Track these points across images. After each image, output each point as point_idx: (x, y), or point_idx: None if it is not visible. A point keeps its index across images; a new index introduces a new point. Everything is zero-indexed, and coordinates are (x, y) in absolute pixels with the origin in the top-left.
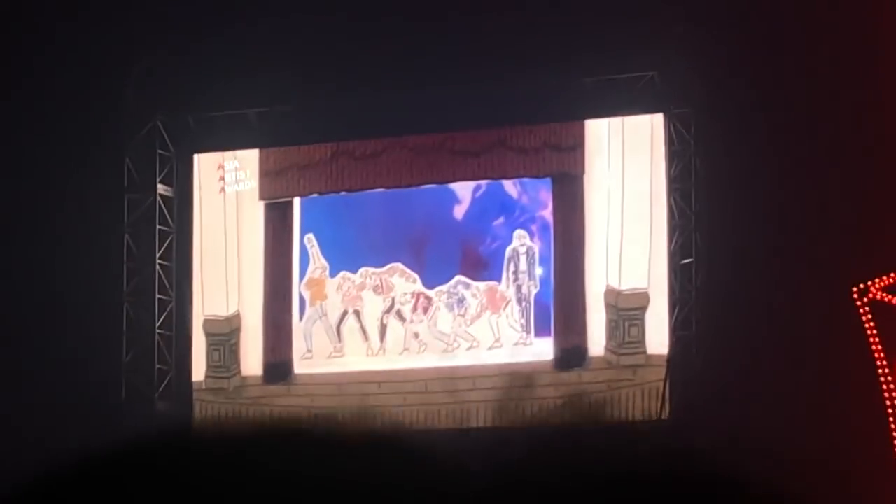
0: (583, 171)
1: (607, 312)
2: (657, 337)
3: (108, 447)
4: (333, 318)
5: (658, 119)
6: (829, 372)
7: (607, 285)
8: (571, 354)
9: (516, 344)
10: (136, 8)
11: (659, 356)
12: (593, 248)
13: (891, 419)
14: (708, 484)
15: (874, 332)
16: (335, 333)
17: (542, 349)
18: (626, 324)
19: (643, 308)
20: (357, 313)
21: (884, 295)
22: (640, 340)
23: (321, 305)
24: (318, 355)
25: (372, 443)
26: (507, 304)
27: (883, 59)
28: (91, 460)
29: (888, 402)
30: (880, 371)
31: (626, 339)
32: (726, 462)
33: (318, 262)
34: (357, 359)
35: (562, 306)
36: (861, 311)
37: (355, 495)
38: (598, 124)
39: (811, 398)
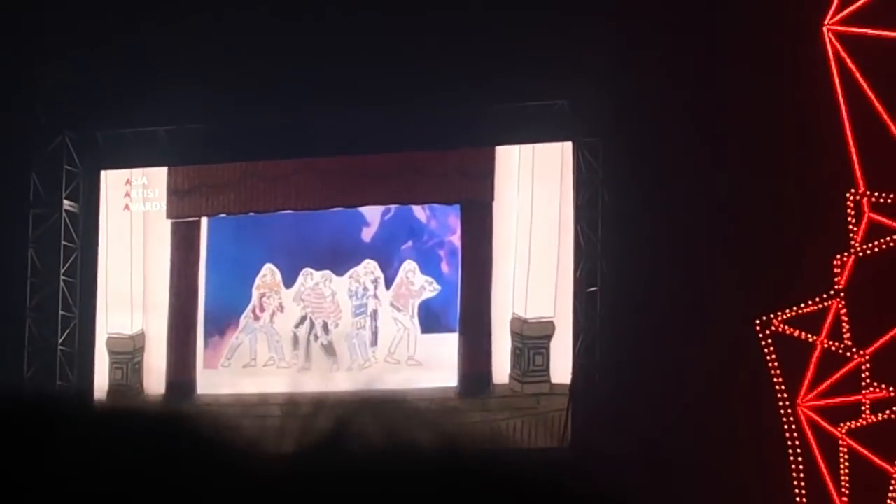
0: (492, 199)
1: (513, 340)
2: (562, 366)
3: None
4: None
5: (568, 147)
6: (731, 401)
7: (513, 313)
8: (476, 381)
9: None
10: (46, 23)
11: (563, 385)
12: (500, 276)
13: (789, 447)
14: None
15: (775, 363)
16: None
17: (447, 375)
18: (532, 352)
19: (548, 337)
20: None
21: (785, 327)
22: (545, 369)
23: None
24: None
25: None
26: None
27: (792, 93)
28: None
29: (787, 431)
30: (780, 402)
31: (531, 368)
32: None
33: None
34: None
35: (467, 333)
36: (763, 342)
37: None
38: (508, 151)
39: (713, 427)
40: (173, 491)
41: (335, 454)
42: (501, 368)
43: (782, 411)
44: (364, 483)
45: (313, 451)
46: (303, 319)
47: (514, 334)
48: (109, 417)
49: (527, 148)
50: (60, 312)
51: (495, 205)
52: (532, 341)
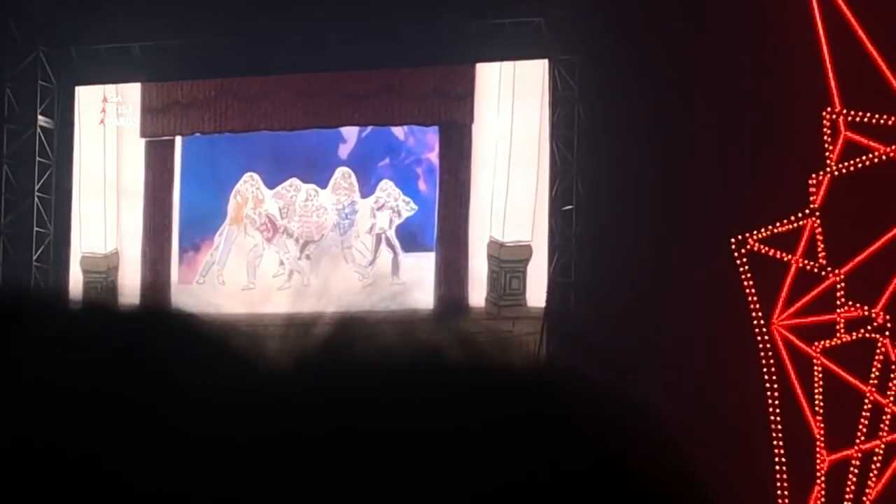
0: (471, 121)
1: (489, 264)
2: (538, 289)
3: None
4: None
5: (546, 66)
6: (705, 320)
7: (490, 237)
8: (451, 304)
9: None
10: None
11: (539, 308)
12: (478, 200)
13: (763, 366)
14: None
15: (750, 281)
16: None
17: (424, 297)
18: (508, 276)
19: (525, 261)
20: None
21: (760, 246)
22: (521, 292)
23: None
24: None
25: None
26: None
27: (768, 11)
28: None
29: (761, 350)
30: (754, 320)
31: (507, 291)
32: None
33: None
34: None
35: (444, 255)
36: (738, 261)
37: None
38: (488, 72)
39: (688, 347)
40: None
41: (345, 362)
42: (477, 291)
43: (757, 330)
44: (381, 385)
45: (321, 360)
46: None
47: (490, 258)
48: (88, 313)
49: (507, 69)
50: (35, 229)
51: (474, 127)
52: (509, 265)
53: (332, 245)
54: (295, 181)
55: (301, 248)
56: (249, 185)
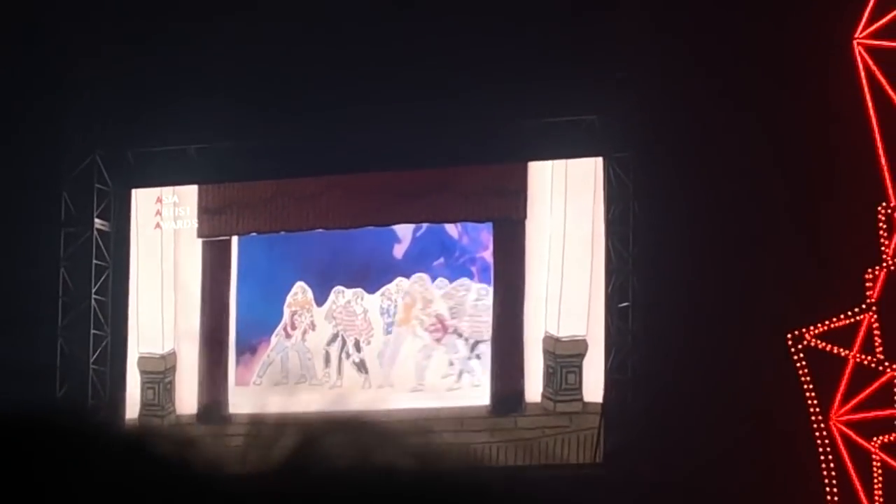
0: (525, 216)
1: (545, 359)
2: (595, 384)
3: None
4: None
5: (601, 164)
6: (763, 416)
7: (546, 332)
8: (508, 400)
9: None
10: (75, 42)
11: (596, 404)
12: (533, 295)
13: (822, 462)
14: None
15: (807, 377)
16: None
17: (479, 394)
18: (564, 371)
19: (581, 355)
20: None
21: (817, 341)
22: (578, 388)
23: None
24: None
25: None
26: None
27: (822, 107)
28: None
29: (820, 446)
30: (813, 416)
31: (564, 386)
32: None
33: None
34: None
35: (500, 351)
36: (795, 356)
37: None
38: (541, 168)
39: (746, 443)
40: None
41: (301, 474)
42: (534, 387)
43: (815, 426)
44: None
45: (279, 472)
46: (334, 337)
47: (546, 353)
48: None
49: (559, 165)
50: (92, 331)
51: (528, 223)
52: (565, 360)
53: (379, 344)
54: (341, 288)
55: (353, 347)
56: (300, 295)
